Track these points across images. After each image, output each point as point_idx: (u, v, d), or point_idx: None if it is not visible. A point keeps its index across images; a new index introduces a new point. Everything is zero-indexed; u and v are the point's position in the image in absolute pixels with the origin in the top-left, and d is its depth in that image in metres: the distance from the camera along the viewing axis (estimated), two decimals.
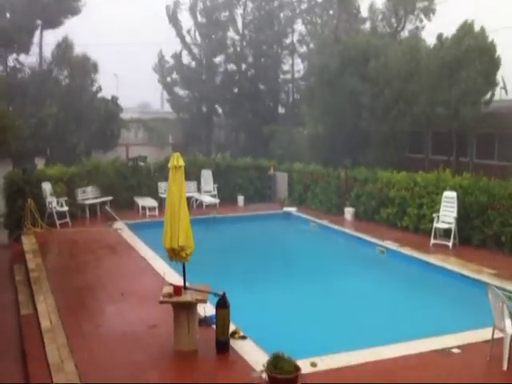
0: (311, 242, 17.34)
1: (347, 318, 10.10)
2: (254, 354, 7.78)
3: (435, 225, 14.72)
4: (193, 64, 30.21)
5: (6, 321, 9.74)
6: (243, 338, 8.32)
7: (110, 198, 19.69)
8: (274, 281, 12.58)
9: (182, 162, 8.00)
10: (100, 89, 24.58)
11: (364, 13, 25.19)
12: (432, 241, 14.73)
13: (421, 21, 23.11)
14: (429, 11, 22.77)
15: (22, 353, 8.32)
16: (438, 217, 14.76)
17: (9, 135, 9.46)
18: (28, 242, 15.11)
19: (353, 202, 18.58)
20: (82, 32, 25.97)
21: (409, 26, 23.27)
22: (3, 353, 8.33)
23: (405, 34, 23.13)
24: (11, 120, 9.86)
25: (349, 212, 18.41)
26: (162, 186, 20.23)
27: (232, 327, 8.20)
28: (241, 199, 21.77)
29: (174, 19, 29.46)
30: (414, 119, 18.79)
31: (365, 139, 19.85)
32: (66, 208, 17.68)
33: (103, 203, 19.45)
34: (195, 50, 30.13)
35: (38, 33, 25.68)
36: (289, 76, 31.22)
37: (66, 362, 7.61)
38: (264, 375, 6.97)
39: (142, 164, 21.34)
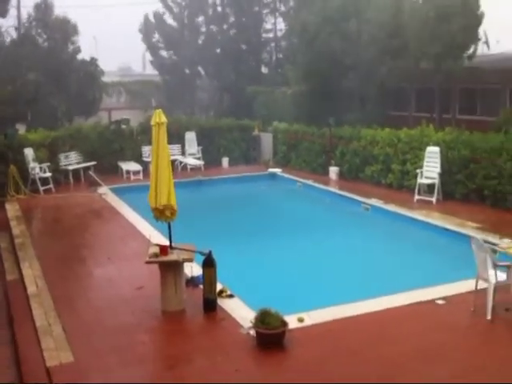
0: (297, 202, 17.40)
1: (333, 273, 10.20)
2: (241, 312, 7.84)
3: (419, 180, 14.79)
4: (175, 25, 29.69)
5: None
6: (230, 296, 8.37)
7: (94, 162, 19.52)
8: (260, 240, 12.60)
9: (164, 119, 7.99)
10: (79, 50, 24.03)
11: None
12: (416, 197, 14.82)
13: None
14: None
15: (8, 318, 8.31)
16: (422, 172, 14.82)
17: None
18: (11, 209, 14.98)
19: (337, 161, 18.56)
20: None
21: None
22: None
23: None
24: None
25: (333, 171, 18.42)
26: (145, 149, 20.04)
27: (219, 286, 8.24)
28: (225, 161, 21.68)
29: None
30: (399, 75, 18.66)
31: (348, 97, 19.72)
32: (49, 174, 17.46)
33: (87, 168, 19.26)
34: (176, 10, 29.56)
35: None
36: (271, 35, 30.80)
37: (53, 325, 7.62)
38: (252, 331, 7.04)
39: (124, 127, 21.10)
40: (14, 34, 24.73)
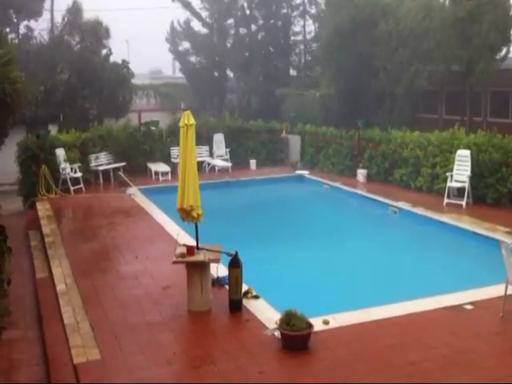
0: (324, 204, 17.33)
1: (359, 276, 10.14)
2: (266, 313, 7.85)
3: (449, 184, 14.60)
4: (203, 29, 29.82)
5: (23, 285, 9.87)
6: (256, 297, 8.39)
7: (123, 163, 19.72)
8: (287, 242, 12.59)
9: (192, 120, 8.06)
10: (111, 52, 24.37)
11: None
12: (445, 200, 14.63)
13: None
14: None
15: (38, 315, 8.46)
16: (452, 176, 14.63)
17: (22, 100, 9.39)
18: (42, 209, 15.24)
19: (366, 164, 18.44)
20: None
21: None
22: (20, 316, 8.47)
23: None
24: (23, 85, 9.78)
25: (361, 174, 18.29)
26: (174, 151, 20.20)
27: (244, 287, 8.26)
28: (253, 163, 21.69)
29: None
30: (429, 78, 18.46)
31: (378, 100, 19.58)
32: (79, 174, 17.75)
33: (116, 169, 19.48)
34: (205, 14, 29.68)
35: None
36: (300, 37, 30.74)
37: (81, 323, 7.74)
38: (277, 332, 7.03)
39: (154, 128, 21.30)
40: (46, 37, 25.25)
